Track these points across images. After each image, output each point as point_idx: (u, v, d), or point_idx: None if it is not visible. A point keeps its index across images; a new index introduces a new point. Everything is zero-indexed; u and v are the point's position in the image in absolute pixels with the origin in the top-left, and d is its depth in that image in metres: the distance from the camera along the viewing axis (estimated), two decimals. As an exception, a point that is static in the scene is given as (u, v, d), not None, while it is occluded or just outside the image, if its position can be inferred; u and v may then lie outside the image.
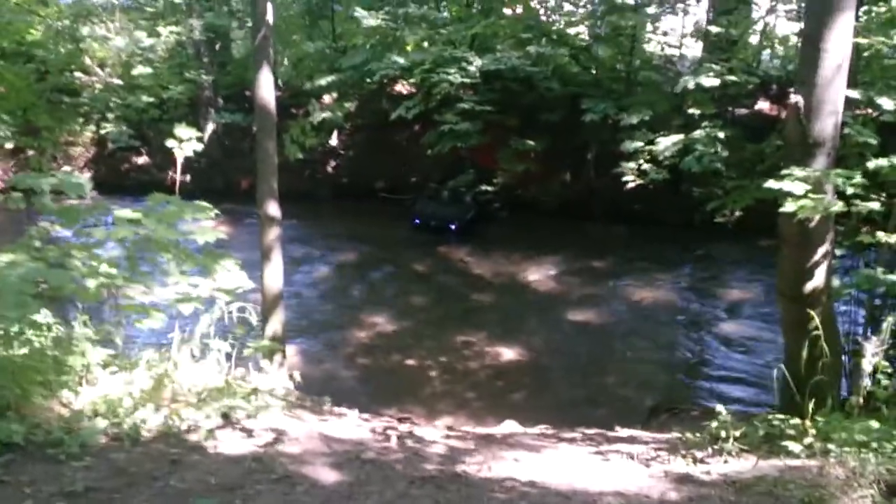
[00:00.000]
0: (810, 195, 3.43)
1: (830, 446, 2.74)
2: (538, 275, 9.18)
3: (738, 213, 6.74)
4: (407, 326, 7.80)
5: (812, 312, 3.70)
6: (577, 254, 9.49)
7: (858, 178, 3.55)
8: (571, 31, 10.31)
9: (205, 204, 3.83)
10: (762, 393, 5.84)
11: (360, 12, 9.73)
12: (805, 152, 3.66)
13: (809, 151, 3.65)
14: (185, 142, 4.00)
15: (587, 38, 10.18)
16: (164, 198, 3.72)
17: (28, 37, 8.96)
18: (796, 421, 3.26)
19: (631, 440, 3.80)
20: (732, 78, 7.25)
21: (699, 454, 3.05)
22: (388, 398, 6.13)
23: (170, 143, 4.06)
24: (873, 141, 4.16)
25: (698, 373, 6.97)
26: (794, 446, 2.80)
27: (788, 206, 3.46)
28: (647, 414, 5.60)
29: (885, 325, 3.33)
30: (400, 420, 4.70)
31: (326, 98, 10.91)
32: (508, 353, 7.22)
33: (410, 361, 7.01)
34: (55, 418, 2.80)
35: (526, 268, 9.32)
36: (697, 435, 3.43)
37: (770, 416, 3.40)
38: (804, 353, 3.52)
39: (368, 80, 10.35)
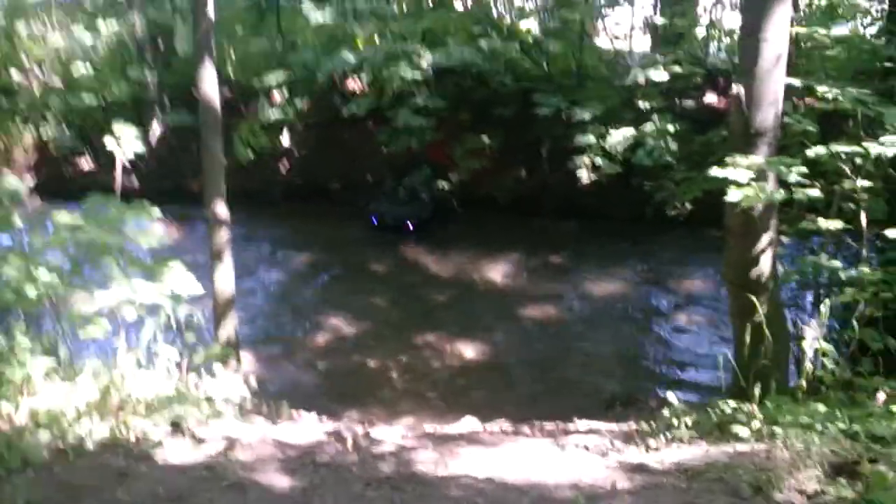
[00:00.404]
0: (753, 184, 3.50)
1: (777, 429, 2.80)
2: (495, 272, 9.22)
3: (688, 206, 6.87)
4: (366, 327, 7.74)
5: (758, 299, 3.80)
6: (532, 250, 9.55)
7: (799, 167, 3.64)
8: (523, 25, 10.35)
9: (146, 205, 3.73)
10: (717, 380, 5.97)
11: (307, 4, 9.58)
12: (747, 142, 3.74)
13: (752, 141, 3.73)
14: (125, 140, 3.88)
15: (538, 32, 10.22)
16: (101, 200, 3.61)
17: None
18: (746, 406, 3.33)
19: (589, 432, 3.83)
20: (678, 69, 7.37)
21: (653, 443, 3.09)
22: (349, 400, 6.07)
23: (108, 141, 3.93)
24: (813, 129, 4.28)
25: (655, 363, 7.09)
26: (742, 431, 2.86)
27: (733, 195, 3.53)
28: (606, 405, 5.67)
29: (822, 308, 3.43)
30: (360, 422, 4.65)
31: (276, 96, 10.73)
32: (468, 351, 7.23)
33: (370, 362, 6.96)
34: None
35: (483, 265, 9.34)
36: (651, 424, 3.49)
37: (722, 403, 3.47)
38: (750, 339, 3.60)
39: (319, 76, 10.22)
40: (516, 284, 8.97)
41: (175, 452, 2.80)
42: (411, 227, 10.10)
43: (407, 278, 9.22)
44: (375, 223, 10.23)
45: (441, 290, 8.83)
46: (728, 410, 3.28)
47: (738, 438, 2.84)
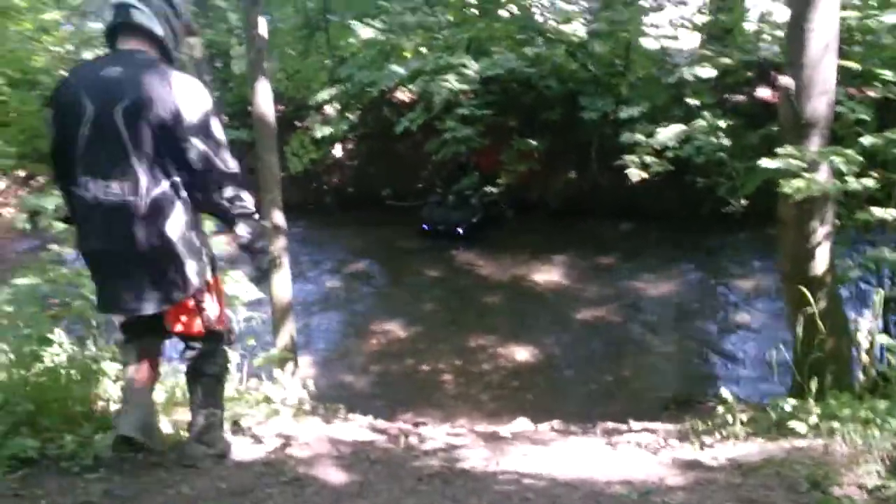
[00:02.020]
0: (805, 174, 3.43)
1: (835, 425, 2.74)
2: (547, 274, 9.20)
3: (744, 203, 6.70)
4: (419, 331, 7.83)
5: (814, 293, 3.71)
6: (584, 251, 9.48)
7: (854, 156, 3.55)
8: (567, 28, 10.32)
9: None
10: (777, 379, 5.81)
11: (355, 24, 9.78)
12: (799, 133, 3.66)
13: (803, 132, 3.65)
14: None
15: (583, 34, 10.17)
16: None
17: (32, 64, 9.07)
18: (805, 402, 3.26)
19: (643, 431, 3.81)
20: (727, 60, 7.23)
21: (707, 440, 3.06)
22: (404, 403, 6.14)
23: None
24: (868, 118, 4.15)
25: (712, 363, 6.95)
26: (799, 426, 2.80)
27: (785, 187, 3.46)
28: (662, 407, 5.59)
29: (876, 299, 3.33)
30: (415, 424, 4.73)
31: (329, 109, 10.99)
32: (521, 354, 7.23)
33: (424, 366, 7.04)
34: (69, 432, 2.86)
35: (534, 268, 9.33)
36: (707, 422, 3.44)
37: (781, 401, 3.41)
38: (806, 335, 3.51)
39: (369, 89, 10.41)
40: (568, 287, 8.92)
41: (235, 450, 2.91)
42: (462, 233, 10.18)
43: (459, 282, 9.29)
44: (427, 229, 10.35)
45: (493, 294, 8.85)
46: (787, 408, 3.22)
47: (794, 434, 2.79)
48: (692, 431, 3.37)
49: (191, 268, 2.33)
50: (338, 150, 11.34)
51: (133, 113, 2.16)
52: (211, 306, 2.44)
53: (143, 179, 2.19)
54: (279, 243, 5.31)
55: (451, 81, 8.87)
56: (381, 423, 3.98)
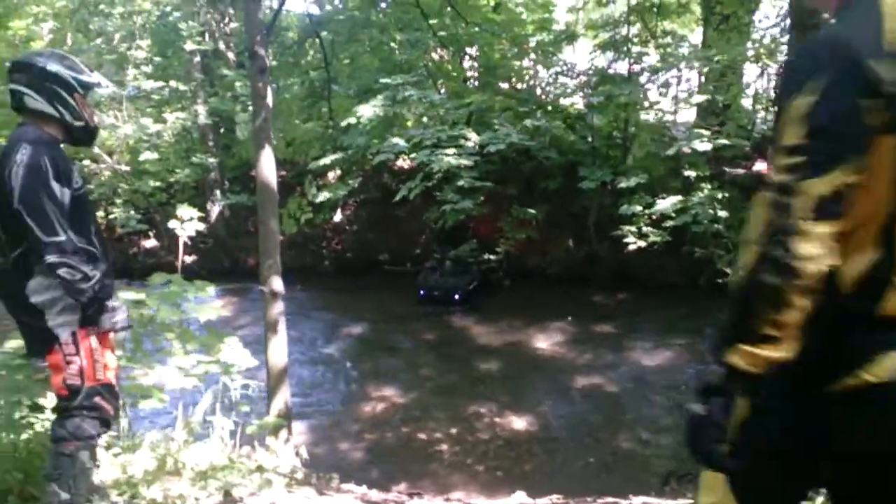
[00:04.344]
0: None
1: None
2: (544, 342, 9.15)
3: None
4: (415, 398, 7.72)
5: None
6: (581, 320, 9.46)
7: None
8: (566, 101, 10.61)
9: (204, 283, 3.90)
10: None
11: (358, 108, 10.04)
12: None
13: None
14: (187, 222, 4.10)
15: (582, 107, 10.46)
16: (165, 277, 3.80)
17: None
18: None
19: (645, 508, 3.70)
20: (724, 142, 7.42)
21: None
22: (398, 473, 6.01)
23: (172, 223, 4.17)
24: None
25: (712, 435, 6.83)
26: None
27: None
28: (662, 481, 5.46)
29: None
30: (409, 495, 4.61)
31: (330, 175, 11.16)
32: (518, 423, 7.12)
33: (420, 434, 6.90)
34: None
35: (531, 335, 9.29)
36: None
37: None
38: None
39: (370, 157, 10.60)
40: (566, 355, 8.86)
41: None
42: (458, 299, 10.17)
43: (455, 349, 9.22)
44: (423, 295, 10.34)
45: (489, 361, 8.78)
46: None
47: None
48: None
49: (53, 320, 2.39)
50: (338, 215, 11.46)
51: None
52: (76, 362, 2.40)
53: (5, 245, 2.41)
54: (275, 309, 5.28)
55: (451, 155, 9.05)
56: (375, 495, 3.87)
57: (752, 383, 1.23)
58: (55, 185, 2.34)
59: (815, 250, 1.14)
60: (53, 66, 2.44)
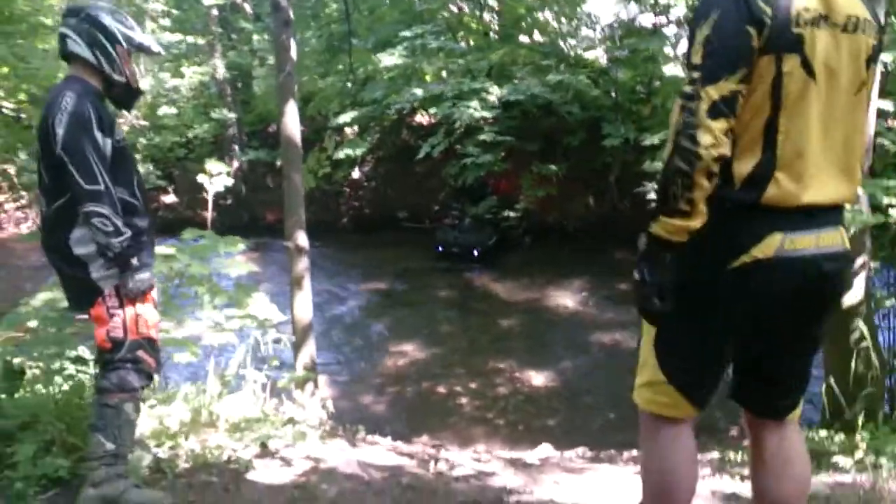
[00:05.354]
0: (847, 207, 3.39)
1: (882, 461, 2.66)
2: (564, 299, 9.14)
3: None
4: (435, 354, 7.78)
5: (850, 323, 3.65)
6: (602, 277, 9.42)
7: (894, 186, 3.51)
8: (590, 54, 10.36)
9: (236, 238, 3.90)
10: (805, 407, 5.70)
11: (379, 56, 9.87)
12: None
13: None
14: (216, 176, 4.08)
15: (605, 62, 10.21)
16: (197, 233, 3.80)
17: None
18: (841, 436, 3.19)
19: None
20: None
21: (746, 472, 2.98)
22: (420, 426, 6.09)
23: (201, 178, 4.14)
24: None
25: (734, 392, 6.85)
26: (843, 461, 2.73)
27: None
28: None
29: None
30: (433, 447, 4.67)
31: (349, 131, 11.05)
32: (538, 378, 7.16)
33: (440, 389, 6.97)
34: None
35: (551, 292, 9.28)
36: (740, 453, 3.37)
37: (812, 432, 3.34)
38: (840, 366, 3.44)
39: (387, 112, 10.47)
40: (585, 312, 8.86)
41: (266, 473, 2.87)
42: (477, 255, 10.15)
43: (474, 305, 9.24)
44: (442, 251, 10.33)
45: (509, 317, 8.80)
46: (817, 439, 3.15)
47: (837, 469, 2.71)
48: (727, 463, 3.29)
49: (97, 273, 2.39)
50: (356, 172, 11.40)
51: (41, 132, 2.38)
52: (119, 315, 2.41)
53: (49, 194, 2.41)
54: (301, 264, 5.29)
55: (473, 107, 8.91)
56: (406, 447, 3.92)
57: (675, 251, 1.58)
58: (98, 135, 2.32)
59: (711, 140, 1.47)
60: (102, 15, 2.43)
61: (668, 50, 9.52)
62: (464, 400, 6.80)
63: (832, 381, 3.60)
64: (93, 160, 2.29)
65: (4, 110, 6.96)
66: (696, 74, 1.50)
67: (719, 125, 1.47)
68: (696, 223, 1.53)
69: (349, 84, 10.93)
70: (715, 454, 3.63)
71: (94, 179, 2.29)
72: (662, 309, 1.63)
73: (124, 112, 2.99)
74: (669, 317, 1.64)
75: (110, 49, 2.42)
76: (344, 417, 4.89)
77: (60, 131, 2.29)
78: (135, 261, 2.40)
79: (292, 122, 5.18)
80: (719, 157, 1.48)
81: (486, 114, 8.89)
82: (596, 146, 9.66)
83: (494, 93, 9.07)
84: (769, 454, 1.75)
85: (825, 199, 1.55)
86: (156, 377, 3.57)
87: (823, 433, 3.30)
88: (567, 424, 6.29)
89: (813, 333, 1.69)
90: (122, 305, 2.40)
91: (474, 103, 8.82)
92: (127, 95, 2.54)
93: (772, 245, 1.52)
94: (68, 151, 2.28)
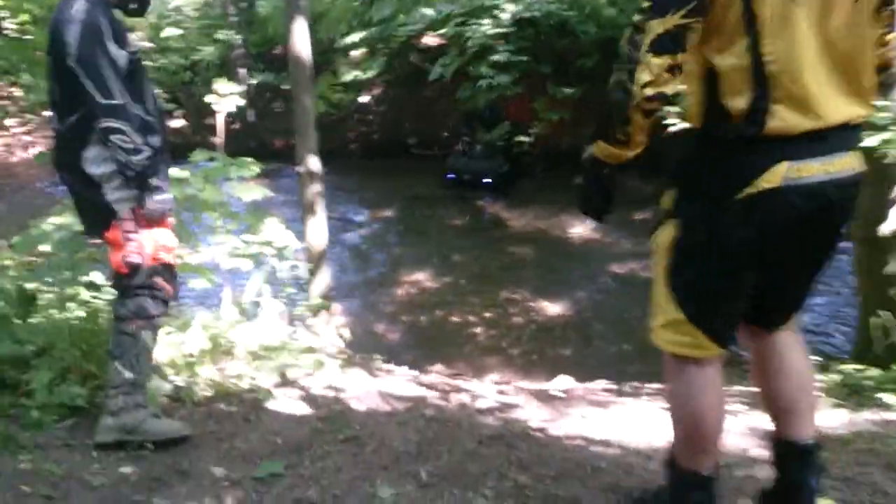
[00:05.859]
0: (892, 128, 3.19)
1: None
2: (578, 228, 8.99)
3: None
4: (448, 283, 7.71)
5: (888, 256, 3.51)
6: (616, 206, 9.21)
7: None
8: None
9: (248, 160, 3.73)
10: (826, 341, 5.62)
11: None
12: (884, 83, 3.40)
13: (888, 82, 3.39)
14: (226, 97, 3.88)
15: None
16: (208, 154, 3.63)
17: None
18: (875, 372, 3.09)
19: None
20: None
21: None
22: (434, 355, 6.06)
23: (210, 98, 3.94)
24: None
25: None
26: (890, 399, 2.63)
27: (868, 140, 3.21)
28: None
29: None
30: (450, 376, 4.63)
31: (356, 54, 10.65)
32: (552, 308, 7.10)
33: (454, 318, 6.93)
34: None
35: (565, 221, 9.12)
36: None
37: (846, 365, 3.25)
38: (873, 295, 3.32)
39: (395, 34, 10.06)
40: (599, 241, 8.72)
41: (286, 402, 2.81)
42: (489, 183, 9.95)
43: (486, 234, 9.11)
44: (452, 179, 10.12)
45: (521, 246, 8.68)
46: (856, 375, 3.06)
47: (884, 406, 2.62)
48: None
49: (111, 195, 2.25)
50: (364, 96, 11.06)
51: (50, 44, 2.24)
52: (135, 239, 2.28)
53: (61, 109, 2.27)
54: (313, 189, 5.13)
55: (486, 25, 8.52)
56: (425, 378, 3.86)
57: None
58: (112, 46, 2.16)
59: (647, 78, 1.46)
60: None
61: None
62: (478, 329, 6.76)
63: (862, 314, 3.49)
64: (108, 73, 2.14)
65: (6, 31, 6.70)
66: (645, 4, 1.49)
67: (660, 61, 1.45)
68: (632, 152, 1.58)
69: (356, 3, 10.46)
70: (744, 387, 3.56)
71: (111, 93, 2.13)
72: (604, 210, 1.80)
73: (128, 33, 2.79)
74: (682, 253, 1.65)
75: None
76: (358, 346, 4.84)
77: (72, 41, 2.13)
78: (154, 181, 2.26)
79: (301, 41, 4.91)
80: (655, 95, 1.46)
81: (500, 30, 8.49)
82: (611, 68, 9.28)
83: (508, 9, 8.64)
84: (765, 356, 1.76)
85: (832, 121, 1.48)
86: (172, 304, 3.48)
87: (857, 367, 3.20)
88: (581, 354, 6.25)
89: (818, 262, 1.66)
90: (138, 229, 2.26)
91: (487, 21, 8.42)
92: (138, 1, 2.37)
93: (777, 174, 1.48)
94: (81, 63, 2.13)
